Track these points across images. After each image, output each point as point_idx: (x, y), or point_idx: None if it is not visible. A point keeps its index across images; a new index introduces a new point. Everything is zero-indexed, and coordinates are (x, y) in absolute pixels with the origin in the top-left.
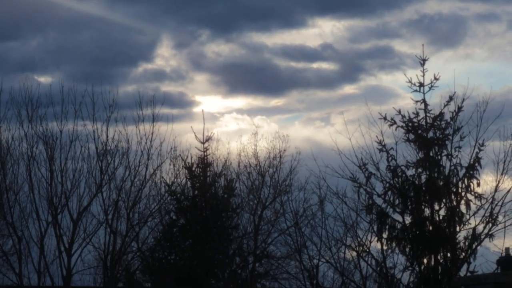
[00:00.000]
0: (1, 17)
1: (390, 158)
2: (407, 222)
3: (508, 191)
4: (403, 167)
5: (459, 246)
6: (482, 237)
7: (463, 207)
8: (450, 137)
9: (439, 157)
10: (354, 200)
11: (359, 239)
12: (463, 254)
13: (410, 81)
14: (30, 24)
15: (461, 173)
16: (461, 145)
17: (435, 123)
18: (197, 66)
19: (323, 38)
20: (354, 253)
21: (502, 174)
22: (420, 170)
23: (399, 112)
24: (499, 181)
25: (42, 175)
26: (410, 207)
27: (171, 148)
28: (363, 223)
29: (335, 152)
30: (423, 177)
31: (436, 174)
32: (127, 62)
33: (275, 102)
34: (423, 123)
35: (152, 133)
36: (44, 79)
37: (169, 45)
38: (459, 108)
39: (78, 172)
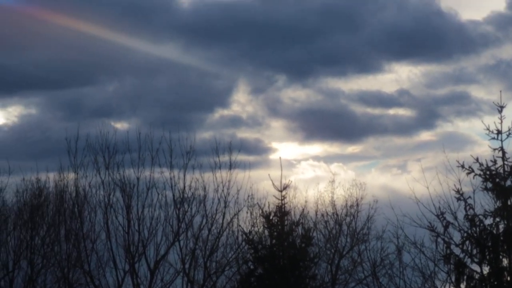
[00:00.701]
0: (78, 63)
1: (468, 207)
2: (485, 272)
3: None
4: (481, 216)
5: None
6: None
7: None
8: None
9: None
10: (432, 249)
11: None
12: None
13: (487, 129)
14: (107, 69)
15: None
16: None
17: None
18: (273, 112)
19: (399, 83)
20: None
21: None
22: (498, 219)
23: (477, 160)
24: None
25: (119, 223)
26: (488, 257)
27: (248, 196)
28: (441, 274)
29: (413, 201)
30: (501, 227)
31: None
32: (204, 107)
33: (352, 149)
34: (501, 171)
35: (229, 181)
36: (120, 125)
37: (246, 91)
38: None
39: (155, 220)
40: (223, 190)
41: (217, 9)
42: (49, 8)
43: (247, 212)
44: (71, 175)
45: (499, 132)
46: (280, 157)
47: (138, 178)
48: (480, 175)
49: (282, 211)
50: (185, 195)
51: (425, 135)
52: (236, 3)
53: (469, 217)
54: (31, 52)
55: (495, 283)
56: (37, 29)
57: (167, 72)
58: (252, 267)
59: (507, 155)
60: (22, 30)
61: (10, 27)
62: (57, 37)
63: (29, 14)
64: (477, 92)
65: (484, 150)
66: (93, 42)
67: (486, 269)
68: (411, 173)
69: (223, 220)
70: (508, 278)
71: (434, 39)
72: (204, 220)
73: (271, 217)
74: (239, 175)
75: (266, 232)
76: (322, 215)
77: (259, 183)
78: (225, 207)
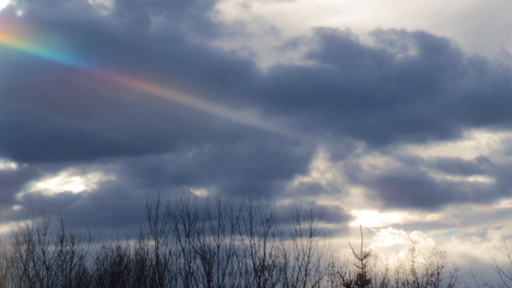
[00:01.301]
0: (157, 129)
1: None
2: None
3: None
4: None
5: None
6: None
7: None
8: None
9: None
10: None
11: None
12: None
13: None
14: (186, 135)
15: None
16: None
17: None
18: (352, 179)
19: (479, 150)
20: None
21: None
22: None
23: None
24: None
25: None
26: None
27: (329, 264)
28: None
29: (494, 269)
30: None
31: None
32: (283, 174)
33: (431, 216)
34: None
35: (310, 248)
36: (200, 192)
37: (325, 157)
38: None
39: None
40: (303, 258)
41: (295, 76)
42: (129, 74)
43: (328, 281)
44: (152, 242)
45: None
46: (360, 225)
47: (218, 246)
48: None
49: (363, 279)
50: (266, 263)
51: (505, 203)
52: (315, 70)
53: None
54: (111, 118)
55: None
56: (117, 95)
57: (246, 138)
58: None
59: None
60: (103, 95)
61: (90, 92)
62: (136, 103)
63: (109, 80)
64: None
65: None
66: (172, 108)
67: None
68: (492, 241)
69: None
70: None
71: None
72: None
73: (352, 286)
74: (319, 243)
75: None
76: (403, 283)
77: (339, 250)
78: (306, 275)
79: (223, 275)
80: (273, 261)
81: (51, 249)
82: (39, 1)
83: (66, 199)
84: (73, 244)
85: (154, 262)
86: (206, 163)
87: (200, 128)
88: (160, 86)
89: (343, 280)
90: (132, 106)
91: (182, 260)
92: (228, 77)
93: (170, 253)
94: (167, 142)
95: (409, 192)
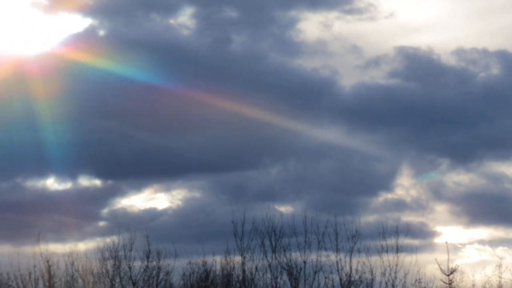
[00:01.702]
0: (241, 146)
1: None
2: None
3: None
4: None
5: None
6: None
7: None
8: None
9: None
10: None
11: None
12: None
13: None
14: (270, 153)
15: None
16: None
17: None
18: (437, 196)
19: None
20: None
21: None
22: None
23: None
24: None
25: None
26: None
27: (416, 280)
28: None
29: None
30: None
31: None
32: (368, 191)
33: None
34: None
35: (397, 264)
36: (284, 209)
37: (409, 174)
38: None
39: None
40: (390, 274)
41: (378, 93)
42: (211, 93)
43: None
44: (238, 258)
45: None
46: (446, 242)
47: (305, 262)
48: None
49: None
50: (352, 279)
51: None
52: (397, 87)
53: None
54: (195, 136)
55: None
56: (200, 113)
57: (330, 155)
58: None
59: None
60: (186, 113)
61: (173, 110)
62: (220, 121)
63: (193, 98)
64: None
65: None
66: (256, 126)
67: None
68: None
69: None
70: None
71: None
72: None
73: None
74: (406, 259)
75: None
76: None
77: (425, 266)
78: None
79: None
80: (359, 277)
81: (137, 264)
82: (121, 21)
83: (151, 215)
84: (159, 259)
85: (240, 278)
86: (290, 180)
87: (283, 146)
88: (243, 104)
89: None
90: (216, 124)
91: (269, 275)
92: (310, 95)
93: (256, 268)
94: (250, 160)
95: (494, 208)
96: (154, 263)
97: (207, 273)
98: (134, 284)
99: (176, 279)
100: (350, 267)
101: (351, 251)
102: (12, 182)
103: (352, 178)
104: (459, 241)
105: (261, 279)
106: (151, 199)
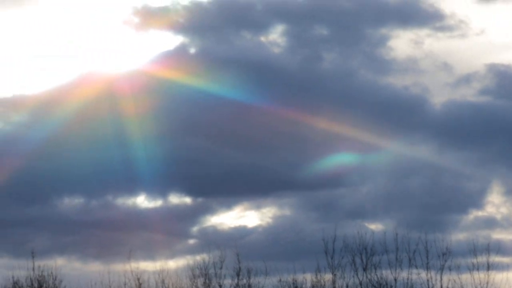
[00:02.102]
0: (333, 163)
1: None
2: None
3: None
4: None
5: None
6: None
7: None
8: None
9: None
10: None
11: None
12: None
13: None
14: (361, 170)
15: None
16: None
17: None
18: None
19: None
20: None
21: None
22: None
23: None
24: None
25: None
26: None
27: None
28: None
29: None
30: None
31: None
32: (458, 209)
33: None
34: None
35: (487, 282)
36: (374, 226)
37: (500, 192)
38: None
39: None
40: None
41: (469, 111)
42: (301, 110)
43: None
44: (328, 276)
45: None
46: None
47: (395, 279)
48: None
49: None
50: None
51: None
52: (488, 105)
53: None
54: (284, 153)
55: None
56: (290, 130)
57: (420, 173)
58: None
59: None
60: (276, 131)
61: (263, 128)
62: (310, 138)
63: (282, 116)
64: None
65: None
66: (346, 143)
67: None
68: None
69: None
70: None
71: None
72: None
73: None
74: (497, 277)
75: None
76: None
77: None
78: None
79: None
80: None
81: (228, 282)
82: (212, 39)
83: (241, 233)
84: (249, 277)
85: None
86: (380, 197)
87: (373, 163)
88: (333, 121)
89: None
90: (306, 142)
91: None
92: (401, 112)
93: (347, 286)
94: (340, 177)
95: None
96: (245, 281)
97: None
98: None
99: None
100: (441, 285)
101: (441, 269)
102: (103, 200)
103: (442, 195)
104: None
105: None
106: (241, 217)
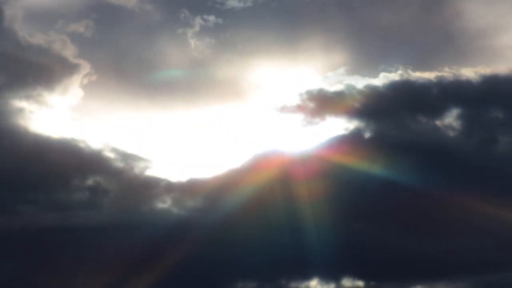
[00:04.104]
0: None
1: None
2: None
3: None
4: None
5: None
6: None
7: None
8: None
9: None
10: None
11: None
12: None
13: None
14: None
15: None
16: None
17: None
18: None
19: None
20: None
21: None
22: None
23: None
24: None
25: None
26: None
27: None
28: None
29: None
30: None
31: None
32: None
33: None
34: None
35: None
36: None
37: None
38: None
39: None
40: None
41: None
42: (475, 196)
43: None
44: None
45: None
46: None
47: None
48: None
49: None
50: None
51: None
52: None
53: None
54: (458, 239)
55: None
56: (463, 217)
57: None
58: None
59: None
60: (446, 216)
61: (436, 213)
62: (480, 225)
63: (456, 201)
64: None
65: None
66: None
67: None
68: None
69: None
70: None
71: None
72: None
73: None
74: None
75: None
76: None
77: None
78: None
79: None
80: None
81: None
82: (387, 124)
83: None
84: None
85: None
86: None
87: None
88: (502, 207)
89: None
90: (476, 228)
91: None
92: None
93: None
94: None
95: None
96: None
97: None
98: None
99: None
100: None
101: None
102: (276, 284)
103: None
104: None
105: None
106: None
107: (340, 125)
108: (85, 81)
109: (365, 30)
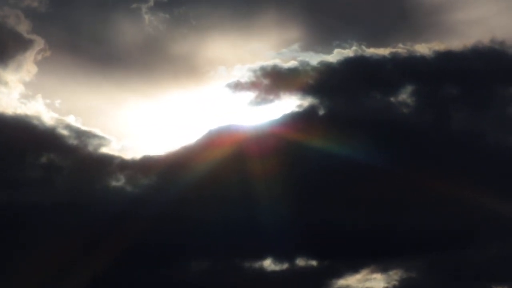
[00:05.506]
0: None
1: None
2: None
3: None
4: None
5: None
6: None
7: None
8: None
9: None
10: None
11: None
12: None
13: None
14: (487, 232)
15: None
16: None
17: None
18: None
19: None
20: None
21: None
22: None
23: None
24: None
25: None
26: None
27: None
28: None
29: None
30: None
31: None
32: None
33: None
34: None
35: None
36: None
37: None
38: None
39: None
40: None
41: None
42: (429, 174)
43: None
44: None
45: None
46: None
47: None
48: None
49: None
50: None
51: None
52: None
53: None
54: (410, 216)
55: None
56: (417, 195)
57: None
58: None
59: None
60: (402, 194)
61: (389, 191)
62: (434, 203)
63: (410, 179)
64: None
65: None
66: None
67: None
68: None
69: None
70: None
71: None
72: None
73: None
74: None
75: None
76: None
77: None
78: None
79: None
80: None
81: None
82: (341, 101)
83: None
84: None
85: None
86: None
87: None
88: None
89: None
90: (433, 205)
91: None
92: None
93: None
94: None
95: None
96: None
97: None
98: None
99: None
100: None
101: None
102: (230, 263)
103: None
104: None
105: None
106: (368, 280)
107: (294, 102)
108: (39, 57)
109: (319, 6)
